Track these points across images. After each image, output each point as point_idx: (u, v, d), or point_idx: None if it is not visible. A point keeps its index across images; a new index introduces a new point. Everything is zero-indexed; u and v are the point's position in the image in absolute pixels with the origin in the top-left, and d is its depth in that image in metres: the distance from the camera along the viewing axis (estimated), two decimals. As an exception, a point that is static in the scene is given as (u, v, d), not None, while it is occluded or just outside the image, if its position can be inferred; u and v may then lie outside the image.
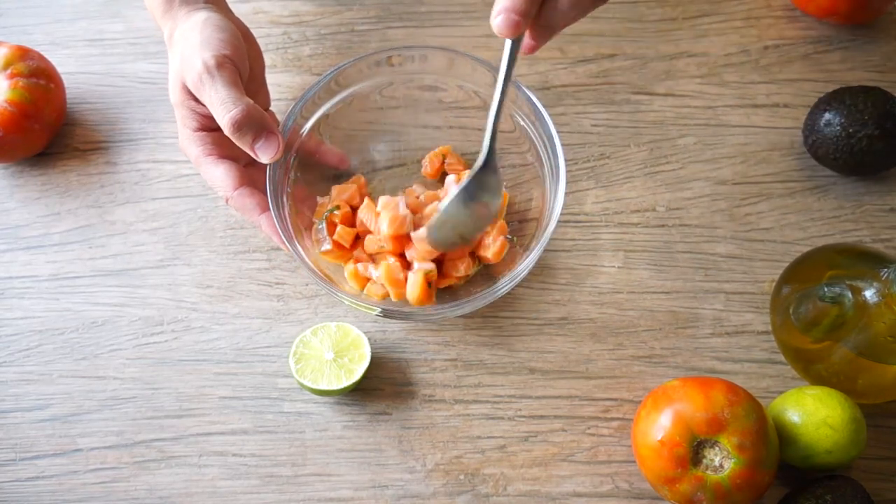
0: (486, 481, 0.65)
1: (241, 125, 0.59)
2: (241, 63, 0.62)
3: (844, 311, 0.60)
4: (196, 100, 0.61)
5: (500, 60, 0.54)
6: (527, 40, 0.54)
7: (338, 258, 0.67)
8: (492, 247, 0.67)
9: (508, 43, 0.52)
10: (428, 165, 0.72)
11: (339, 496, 0.65)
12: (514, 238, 0.69)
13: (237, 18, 0.67)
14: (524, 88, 0.65)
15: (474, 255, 0.68)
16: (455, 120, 0.72)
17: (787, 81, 0.77)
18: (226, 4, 0.68)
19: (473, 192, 0.59)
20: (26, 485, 0.65)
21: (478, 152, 0.72)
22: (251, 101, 0.60)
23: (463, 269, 0.66)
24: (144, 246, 0.72)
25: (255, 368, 0.68)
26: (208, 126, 0.63)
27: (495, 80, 0.55)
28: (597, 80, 0.77)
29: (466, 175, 0.60)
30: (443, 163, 0.72)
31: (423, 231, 0.63)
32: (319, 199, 0.69)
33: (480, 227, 0.61)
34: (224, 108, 0.59)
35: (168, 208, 0.73)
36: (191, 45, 0.60)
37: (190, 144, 0.63)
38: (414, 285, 0.64)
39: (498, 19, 0.49)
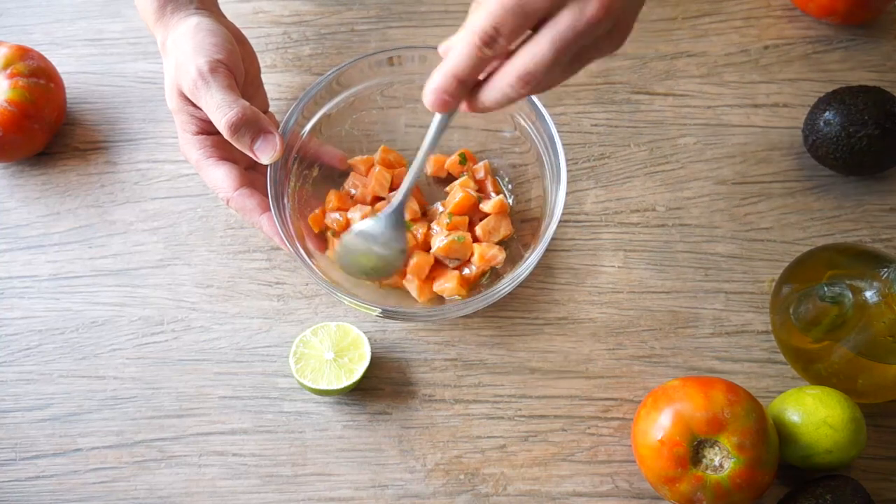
0: (486, 481, 0.65)
1: (238, 127, 0.59)
2: (235, 66, 0.62)
3: (844, 311, 0.60)
4: (194, 105, 0.62)
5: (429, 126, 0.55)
6: (463, 106, 0.52)
7: None
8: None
9: (437, 115, 0.53)
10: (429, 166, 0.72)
11: (339, 496, 0.65)
12: (485, 279, 0.69)
13: (229, 22, 0.67)
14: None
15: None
16: (455, 120, 0.72)
17: (787, 81, 0.77)
18: (218, 8, 0.68)
19: (372, 235, 0.61)
20: (26, 485, 0.65)
21: (479, 152, 0.73)
22: (247, 103, 0.60)
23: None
24: (144, 246, 0.72)
25: (255, 368, 0.68)
26: (207, 130, 0.63)
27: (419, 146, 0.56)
28: (597, 79, 0.77)
29: (370, 217, 0.63)
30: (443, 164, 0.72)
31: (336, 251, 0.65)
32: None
33: (384, 267, 0.63)
34: (220, 111, 0.59)
35: (168, 208, 0.73)
36: (184, 51, 0.61)
37: (190, 148, 0.63)
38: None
39: (429, 98, 0.50)
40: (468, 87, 0.49)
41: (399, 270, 0.66)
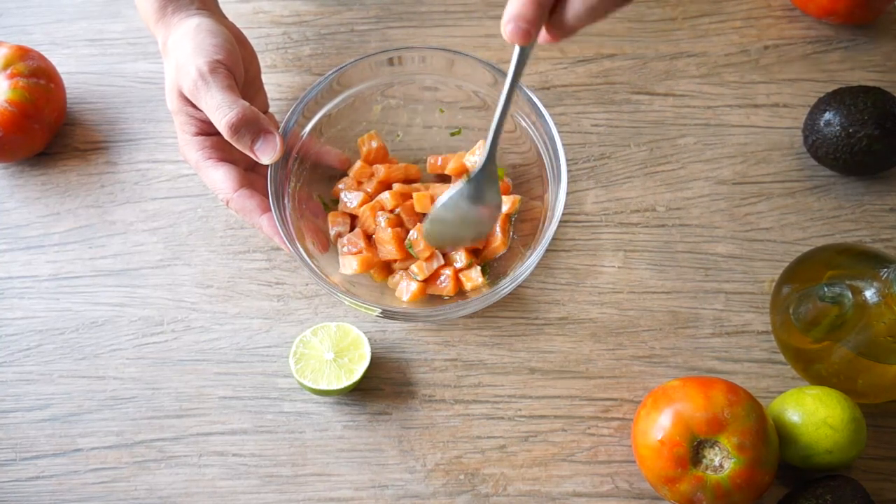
0: (486, 481, 0.65)
1: (238, 127, 0.59)
2: (235, 67, 0.62)
3: (844, 311, 0.60)
4: (193, 106, 0.62)
5: (507, 64, 0.52)
6: (543, 36, 0.50)
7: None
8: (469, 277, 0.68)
9: (517, 48, 0.50)
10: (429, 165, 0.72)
11: (339, 496, 0.65)
12: (487, 271, 0.69)
13: (230, 23, 0.67)
14: (525, 88, 0.65)
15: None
16: (455, 120, 0.73)
17: (787, 81, 0.77)
18: (219, 9, 0.68)
19: (469, 195, 0.59)
20: (26, 485, 0.65)
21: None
22: (247, 104, 0.60)
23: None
24: (144, 246, 0.72)
25: (255, 368, 0.68)
26: (207, 130, 0.63)
27: (502, 84, 0.53)
28: (597, 80, 0.77)
29: (463, 178, 0.61)
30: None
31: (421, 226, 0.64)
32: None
33: (477, 231, 0.62)
34: (220, 112, 0.59)
35: (168, 208, 0.73)
36: (184, 52, 0.61)
37: (189, 149, 0.63)
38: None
39: (508, 28, 0.46)
40: (547, 9, 0.45)
41: (493, 227, 0.64)
